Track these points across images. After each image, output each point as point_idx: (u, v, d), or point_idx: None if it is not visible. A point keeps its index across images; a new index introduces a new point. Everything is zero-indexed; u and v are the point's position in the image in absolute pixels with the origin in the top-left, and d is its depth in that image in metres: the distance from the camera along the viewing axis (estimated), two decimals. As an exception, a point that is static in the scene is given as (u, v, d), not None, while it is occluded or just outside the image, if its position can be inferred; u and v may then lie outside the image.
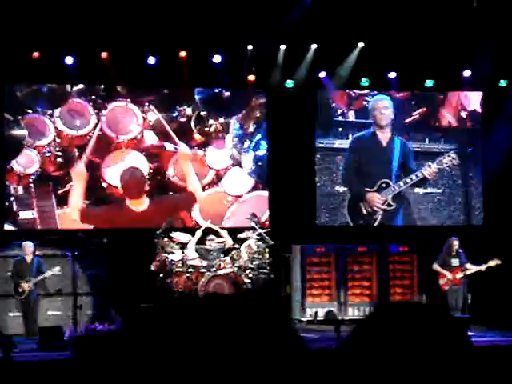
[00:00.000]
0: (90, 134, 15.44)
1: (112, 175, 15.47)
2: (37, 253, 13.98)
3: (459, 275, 14.27)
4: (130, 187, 15.32)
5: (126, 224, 15.36)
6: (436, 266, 14.45)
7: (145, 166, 15.59)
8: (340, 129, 16.35)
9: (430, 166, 16.50)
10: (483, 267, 14.32)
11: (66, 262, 14.08)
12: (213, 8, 14.50)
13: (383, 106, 16.35)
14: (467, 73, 16.20)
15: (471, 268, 14.32)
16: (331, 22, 15.00)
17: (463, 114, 16.77)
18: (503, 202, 16.23)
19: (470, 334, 13.36)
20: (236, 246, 14.67)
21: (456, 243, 14.41)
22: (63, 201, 15.29)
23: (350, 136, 16.36)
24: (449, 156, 16.53)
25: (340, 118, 16.41)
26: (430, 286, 14.73)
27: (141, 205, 15.46)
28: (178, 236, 14.67)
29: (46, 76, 15.00)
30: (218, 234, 14.79)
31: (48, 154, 15.28)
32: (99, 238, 14.65)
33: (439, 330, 1.58)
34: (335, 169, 16.32)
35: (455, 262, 14.35)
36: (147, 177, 15.56)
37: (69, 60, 14.93)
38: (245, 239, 14.72)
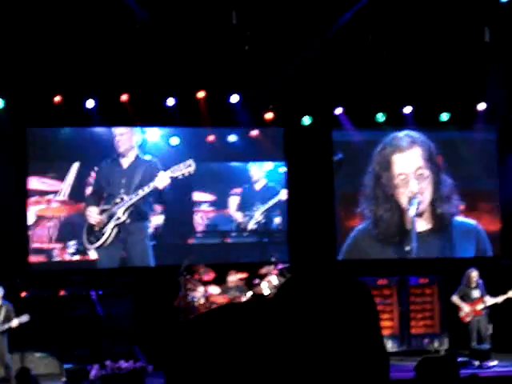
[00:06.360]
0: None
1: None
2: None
3: (480, 306, 14.32)
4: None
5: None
6: (455, 299, 14.48)
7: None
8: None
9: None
10: (504, 298, 14.37)
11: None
12: (230, 48, 14.78)
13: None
14: (482, 106, 16.37)
15: (491, 299, 14.37)
16: (348, 56, 15.26)
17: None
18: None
19: (492, 364, 13.47)
20: (257, 281, 14.81)
21: (475, 274, 14.44)
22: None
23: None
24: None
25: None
26: None
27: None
28: (201, 273, 14.82)
29: (67, 120, 15.31)
30: (239, 272, 14.96)
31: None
32: (123, 278, 14.89)
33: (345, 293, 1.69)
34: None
35: (475, 293, 14.37)
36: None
37: (90, 103, 15.26)
38: (265, 274, 14.85)
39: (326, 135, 16.39)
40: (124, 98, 15.38)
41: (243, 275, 14.95)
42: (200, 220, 16.36)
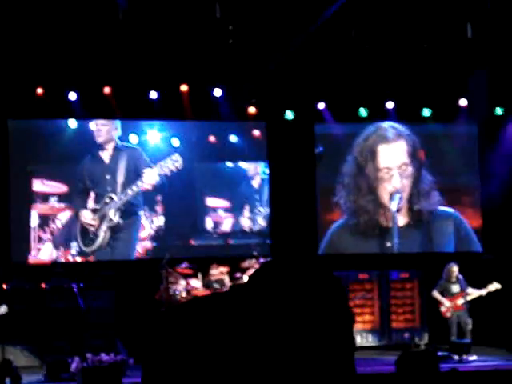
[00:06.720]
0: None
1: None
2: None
3: (460, 301, 14.40)
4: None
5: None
6: (435, 294, 14.53)
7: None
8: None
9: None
10: (483, 292, 14.47)
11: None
12: (213, 41, 14.78)
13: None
14: (463, 102, 16.44)
15: (472, 293, 14.46)
16: (331, 51, 15.29)
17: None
18: (500, 227, 16.36)
19: (471, 358, 13.57)
20: (239, 274, 14.85)
21: (455, 269, 14.51)
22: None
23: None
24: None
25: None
26: None
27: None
28: (182, 266, 14.84)
29: (49, 112, 15.25)
30: (221, 266, 15.00)
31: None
32: (106, 270, 14.88)
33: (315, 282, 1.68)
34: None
35: (455, 288, 14.45)
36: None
37: (72, 96, 15.22)
38: (247, 268, 14.88)
39: (308, 130, 16.41)
40: (106, 90, 15.36)
41: (225, 269, 14.98)
42: (207, 222, 16.24)
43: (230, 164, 16.40)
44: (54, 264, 15.20)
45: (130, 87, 15.27)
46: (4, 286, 14.26)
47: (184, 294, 14.43)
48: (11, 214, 15.17)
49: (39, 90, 15.02)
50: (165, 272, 14.45)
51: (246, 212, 16.34)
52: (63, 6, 13.72)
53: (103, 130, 15.76)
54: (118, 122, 15.87)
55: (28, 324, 14.08)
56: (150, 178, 15.81)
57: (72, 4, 13.73)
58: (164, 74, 15.21)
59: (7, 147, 15.20)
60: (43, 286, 14.41)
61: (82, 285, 14.27)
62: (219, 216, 16.30)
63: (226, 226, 16.30)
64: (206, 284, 14.75)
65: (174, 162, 15.82)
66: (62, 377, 12.64)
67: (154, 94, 15.54)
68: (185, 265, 14.87)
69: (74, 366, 12.79)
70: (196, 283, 14.69)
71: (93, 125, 15.69)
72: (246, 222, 16.34)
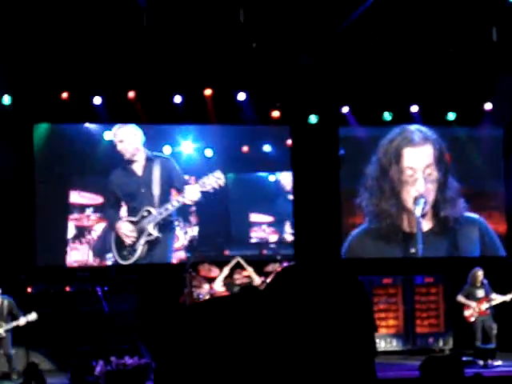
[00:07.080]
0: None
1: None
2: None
3: (485, 306, 14.33)
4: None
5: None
6: (460, 298, 14.48)
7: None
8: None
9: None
10: (508, 297, 14.40)
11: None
12: (237, 45, 14.81)
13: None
14: (488, 105, 16.36)
15: (496, 298, 14.38)
16: (355, 55, 15.28)
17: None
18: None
19: (496, 363, 13.48)
20: (262, 279, 14.84)
21: (480, 274, 14.45)
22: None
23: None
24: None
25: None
26: None
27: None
28: (206, 270, 14.87)
29: (74, 116, 15.30)
30: (245, 270, 14.99)
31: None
32: (129, 274, 14.92)
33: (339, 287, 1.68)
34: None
35: (480, 293, 14.39)
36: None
37: (97, 100, 15.27)
38: (271, 272, 14.89)
39: (332, 134, 16.38)
40: (131, 94, 15.40)
41: (248, 273, 14.98)
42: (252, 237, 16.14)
43: (267, 176, 16.26)
44: (79, 268, 15.24)
45: (155, 91, 15.31)
46: (29, 290, 14.35)
47: (207, 298, 14.43)
48: (37, 219, 15.20)
49: (64, 95, 15.09)
50: (188, 276, 14.48)
51: (288, 228, 16.23)
52: (88, 12, 13.80)
53: (125, 144, 15.55)
54: (135, 127, 15.66)
55: (52, 327, 14.15)
56: (191, 194, 15.69)
57: (97, 9, 13.80)
58: (188, 78, 15.24)
59: (32, 153, 15.25)
60: (68, 289, 14.47)
61: (106, 288, 14.32)
62: (263, 231, 16.15)
63: (271, 240, 16.18)
64: (230, 288, 14.74)
65: (217, 180, 15.71)
66: (87, 380, 12.69)
67: (178, 98, 15.58)
68: (206, 266, 14.90)
69: (98, 369, 12.83)
70: (219, 287, 14.69)
71: (115, 142, 15.53)
72: (289, 237, 16.23)
